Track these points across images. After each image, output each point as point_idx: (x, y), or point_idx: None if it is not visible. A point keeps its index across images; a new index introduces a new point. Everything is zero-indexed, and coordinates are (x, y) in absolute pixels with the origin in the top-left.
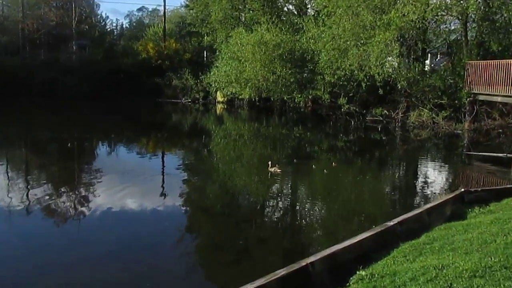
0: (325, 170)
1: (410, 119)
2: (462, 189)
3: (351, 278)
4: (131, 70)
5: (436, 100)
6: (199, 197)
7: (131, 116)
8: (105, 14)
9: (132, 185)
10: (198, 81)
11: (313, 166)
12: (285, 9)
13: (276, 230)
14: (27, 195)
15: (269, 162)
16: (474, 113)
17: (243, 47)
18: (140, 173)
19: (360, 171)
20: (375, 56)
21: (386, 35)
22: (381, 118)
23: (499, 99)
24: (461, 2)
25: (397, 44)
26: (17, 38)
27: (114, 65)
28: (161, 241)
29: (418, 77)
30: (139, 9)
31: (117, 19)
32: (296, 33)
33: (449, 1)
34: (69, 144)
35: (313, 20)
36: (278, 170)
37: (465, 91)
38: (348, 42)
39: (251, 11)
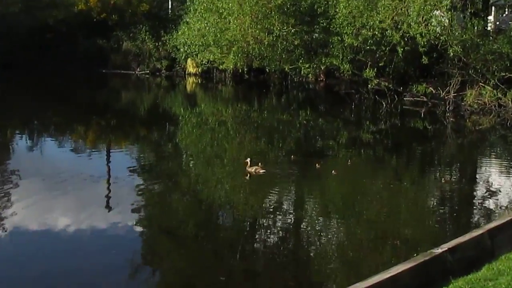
0: (333, 172)
1: (466, 100)
2: None
3: None
4: (61, 27)
5: (504, 74)
6: (161, 213)
7: (62, 94)
8: None
9: (62, 195)
10: (160, 44)
11: (317, 165)
12: None
13: (271, 261)
14: None
15: (248, 160)
16: None
17: None
18: (75, 177)
19: (394, 174)
20: (416, 9)
21: None
22: (425, 99)
23: None
24: None
25: None
26: None
27: (38, 21)
28: (105, 280)
29: (478, 40)
30: None
31: None
32: None
33: None
34: None
35: None
36: (261, 171)
37: None
38: None
39: None
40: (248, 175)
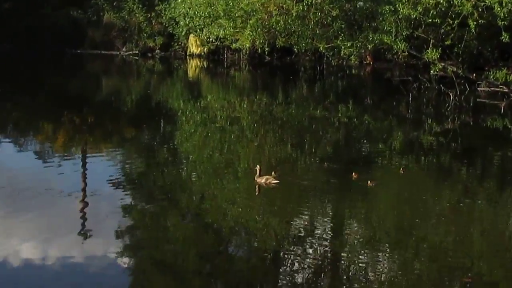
0: (369, 183)
1: None
2: None
3: None
4: None
5: None
6: (154, 241)
7: (24, 81)
8: None
9: (23, 216)
10: (153, 15)
11: (354, 175)
12: None
13: None
14: None
15: (258, 167)
16: None
17: None
18: (40, 193)
19: (464, 189)
20: None
21: None
22: (506, 89)
23: None
24: None
25: None
26: None
27: None
28: None
29: None
30: None
31: None
32: None
33: None
34: None
35: None
36: (273, 182)
37: None
38: None
39: None
40: (257, 187)
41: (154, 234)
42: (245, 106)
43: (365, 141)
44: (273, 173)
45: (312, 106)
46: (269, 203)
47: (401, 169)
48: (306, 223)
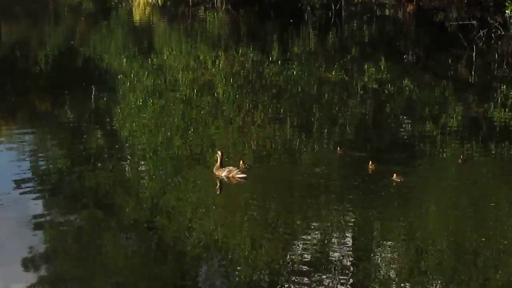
0: (395, 176)
1: None
2: None
3: None
4: None
5: None
6: (82, 271)
7: None
8: None
9: None
10: None
11: (370, 166)
12: None
13: None
14: None
15: (218, 154)
16: None
17: None
18: None
19: None
20: None
21: None
22: None
23: None
24: None
25: None
26: None
27: None
28: None
29: None
30: None
31: None
32: None
33: None
34: None
35: None
36: (239, 176)
37: None
38: None
39: None
40: (219, 183)
41: (82, 261)
42: (221, 65)
43: (404, 118)
44: (240, 163)
45: (323, 66)
46: (232, 211)
47: (461, 157)
48: (315, 246)
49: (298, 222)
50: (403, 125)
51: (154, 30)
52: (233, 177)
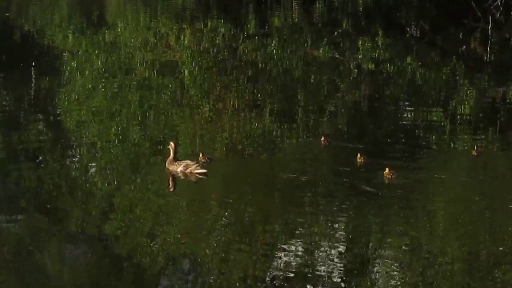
0: (387, 172)
1: None
2: None
3: None
4: None
5: None
6: None
7: None
8: None
9: None
10: None
11: (359, 159)
12: None
13: None
14: None
15: (171, 145)
16: None
17: None
18: None
19: None
20: None
21: None
22: None
23: None
24: None
25: None
26: None
27: None
28: None
29: None
30: None
31: None
32: None
33: None
34: None
35: None
36: (197, 171)
37: None
38: None
39: None
40: (171, 179)
41: (18, 276)
42: (186, 42)
43: (406, 104)
44: (200, 155)
45: (309, 42)
46: (197, 215)
47: (475, 149)
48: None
49: (276, 229)
50: (405, 113)
51: (105, 0)
52: (191, 172)
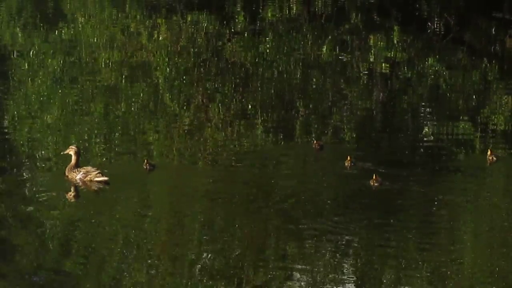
0: (374, 179)
1: None
2: None
3: None
4: None
5: None
6: None
7: None
8: None
9: None
10: None
11: (348, 160)
12: None
13: None
14: None
15: (72, 149)
16: None
17: None
18: None
19: None
20: None
21: None
22: None
23: None
24: None
25: None
26: None
27: None
28: None
29: None
30: None
31: None
32: None
33: None
34: None
35: None
36: (98, 179)
37: None
38: None
39: None
40: (72, 189)
41: None
42: (161, 39)
43: (427, 113)
44: (144, 161)
45: (310, 40)
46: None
47: (489, 155)
48: None
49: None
50: (426, 125)
51: None
52: (91, 180)
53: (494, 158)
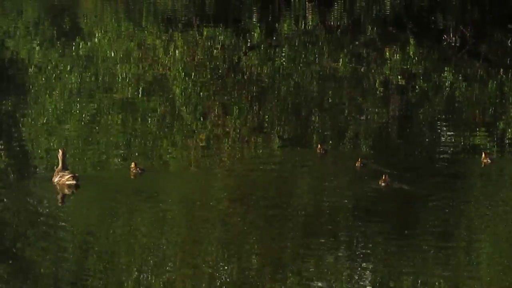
0: (384, 179)
1: None
2: None
3: None
4: None
5: None
6: None
7: None
8: None
9: None
10: None
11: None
12: None
13: None
14: None
15: (59, 152)
16: None
17: None
18: None
19: None
20: None
21: None
22: None
23: None
24: None
25: None
26: None
27: None
28: None
29: None
30: None
31: None
32: None
33: None
34: None
35: None
36: (68, 182)
37: None
38: None
39: None
40: (59, 191)
41: None
42: (177, 54)
43: (443, 125)
44: (132, 165)
45: (326, 52)
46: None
47: (483, 157)
48: None
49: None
50: (442, 138)
51: (80, 4)
52: (63, 183)
53: (489, 161)
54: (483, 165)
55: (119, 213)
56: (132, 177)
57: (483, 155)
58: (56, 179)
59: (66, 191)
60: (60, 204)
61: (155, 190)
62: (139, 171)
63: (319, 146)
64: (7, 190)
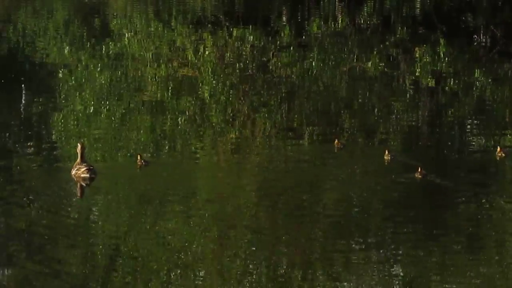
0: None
1: None
2: None
3: None
4: None
5: None
6: None
7: None
8: None
9: None
10: None
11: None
12: None
13: None
14: None
15: (78, 146)
16: None
17: None
18: None
19: None
20: None
21: None
22: None
23: None
24: None
25: None
26: None
27: None
28: None
29: None
30: None
31: None
32: None
33: None
34: None
35: None
36: (83, 175)
37: None
38: None
39: None
40: (78, 185)
41: None
42: (206, 54)
43: (474, 127)
44: (138, 157)
45: (356, 53)
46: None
47: (498, 152)
48: None
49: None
50: (473, 139)
51: (110, 4)
52: (78, 176)
53: (503, 154)
54: (498, 159)
55: (149, 214)
56: (138, 169)
57: (498, 149)
58: (73, 172)
59: (82, 183)
60: (79, 198)
61: (185, 189)
62: (143, 163)
63: (336, 141)
64: (36, 186)
